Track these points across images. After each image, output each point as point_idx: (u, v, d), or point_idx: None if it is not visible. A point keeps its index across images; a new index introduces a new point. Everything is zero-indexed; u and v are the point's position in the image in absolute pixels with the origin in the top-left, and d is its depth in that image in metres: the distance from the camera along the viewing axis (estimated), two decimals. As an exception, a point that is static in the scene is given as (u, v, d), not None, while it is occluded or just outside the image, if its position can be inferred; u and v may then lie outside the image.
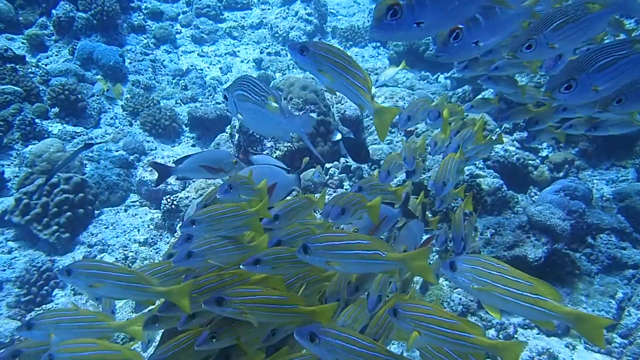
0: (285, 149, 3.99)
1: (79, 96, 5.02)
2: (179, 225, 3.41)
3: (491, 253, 3.40)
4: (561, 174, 4.41)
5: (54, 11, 6.50)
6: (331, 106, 4.54)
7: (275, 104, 1.71)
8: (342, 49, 1.87)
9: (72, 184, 3.77)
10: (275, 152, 4.03)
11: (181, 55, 7.25)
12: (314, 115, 4.02)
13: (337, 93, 1.63)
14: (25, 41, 6.26)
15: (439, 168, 2.29)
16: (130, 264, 3.40)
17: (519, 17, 1.89)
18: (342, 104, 4.62)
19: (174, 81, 6.33)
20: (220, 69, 6.95)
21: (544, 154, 4.69)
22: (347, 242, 1.42)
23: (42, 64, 6.13)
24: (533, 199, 4.06)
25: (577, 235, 3.56)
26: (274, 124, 1.76)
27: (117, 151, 4.65)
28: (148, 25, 7.49)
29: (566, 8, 1.95)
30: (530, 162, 4.52)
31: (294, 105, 4.10)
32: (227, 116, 5.14)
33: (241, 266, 1.54)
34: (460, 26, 1.58)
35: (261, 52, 7.25)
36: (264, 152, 4.06)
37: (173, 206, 3.69)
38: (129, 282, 1.44)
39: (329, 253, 1.41)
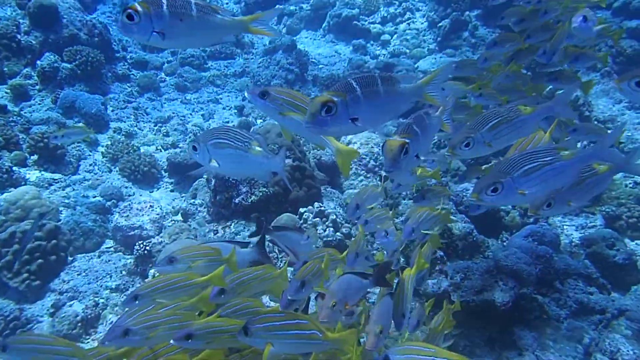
0: (261, 194, 4.06)
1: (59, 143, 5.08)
2: (150, 270, 3.41)
3: (461, 297, 3.43)
4: (531, 220, 4.51)
5: (38, 62, 6.64)
6: (307, 152, 4.65)
7: (259, 148, 1.80)
8: (301, 92, 1.96)
9: (45, 231, 3.78)
10: (251, 197, 4.10)
11: (164, 103, 7.40)
12: (289, 160, 4.12)
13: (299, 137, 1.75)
14: (8, 90, 6.36)
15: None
16: (101, 311, 3.37)
17: (411, 95, 1.96)
18: (318, 150, 4.74)
19: (155, 128, 6.44)
20: (202, 115, 7.09)
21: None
22: (287, 323, 1.48)
23: (25, 112, 6.22)
24: (504, 243, 4.14)
25: (545, 280, 3.62)
26: (257, 166, 1.88)
27: (94, 197, 4.68)
28: (132, 74, 7.68)
29: (500, 109, 2.11)
30: (501, 207, 4.63)
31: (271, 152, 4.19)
32: (205, 163, 5.22)
33: (172, 341, 1.50)
34: (335, 99, 1.62)
35: (243, 100, 7.43)
36: (248, 201, 4.10)
37: (145, 251, 3.70)
38: (65, 356, 1.46)
39: (269, 334, 1.45)
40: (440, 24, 8.94)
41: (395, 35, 9.39)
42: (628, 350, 3.20)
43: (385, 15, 9.67)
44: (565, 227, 4.65)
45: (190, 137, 6.20)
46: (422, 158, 1.74)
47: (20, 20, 6.93)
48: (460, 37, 8.76)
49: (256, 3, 10.60)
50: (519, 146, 2.28)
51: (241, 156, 1.80)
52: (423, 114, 1.89)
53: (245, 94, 1.83)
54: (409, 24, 9.45)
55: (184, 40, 1.73)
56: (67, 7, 7.24)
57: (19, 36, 6.84)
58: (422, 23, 9.45)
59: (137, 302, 1.55)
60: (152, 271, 3.51)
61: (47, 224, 3.81)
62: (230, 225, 4.13)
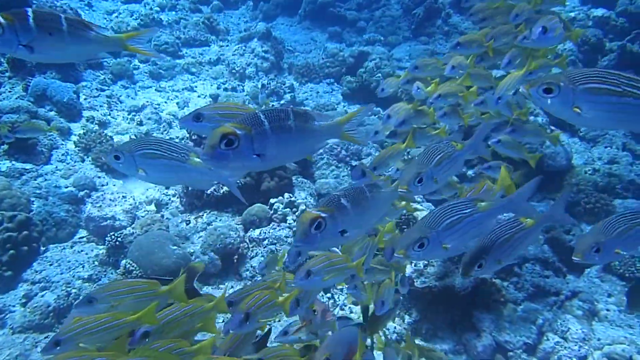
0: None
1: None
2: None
3: (424, 283, 3.59)
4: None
5: (8, 48, 6.55)
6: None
7: (198, 159, 1.83)
8: (239, 104, 2.01)
9: (16, 222, 3.81)
10: (222, 188, 4.17)
11: (138, 91, 7.37)
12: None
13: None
14: (-23, 79, 6.27)
15: None
16: (73, 301, 3.44)
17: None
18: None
19: (129, 116, 6.43)
20: (178, 103, 7.09)
21: (481, 186, 4.97)
22: None
23: (-6, 99, 6.16)
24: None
25: (504, 264, 3.80)
26: (197, 177, 1.87)
27: (66, 187, 4.70)
28: (105, 61, 7.60)
29: (440, 145, 2.21)
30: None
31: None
32: (179, 152, 5.26)
33: None
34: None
35: (218, 88, 7.44)
36: (219, 192, 4.17)
37: (117, 242, 3.76)
38: None
39: None
40: (414, 11, 9.02)
41: (371, 22, 9.44)
42: (577, 329, 3.41)
43: (361, 1, 9.70)
44: (528, 213, 4.83)
45: (163, 126, 6.21)
46: (348, 235, 1.61)
47: (-11, 6, 6.79)
48: (434, 24, 8.86)
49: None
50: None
51: (177, 166, 1.81)
52: (367, 186, 1.79)
53: (179, 124, 1.84)
54: (384, 10, 9.51)
55: (55, 54, 1.72)
56: (36, -7, 7.11)
57: (-13, 22, 6.73)
58: (397, 10, 9.51)
59: (58, 348, 1.45)
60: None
61: (17, 215, 3.83)
62: (203, 215, 4.21)
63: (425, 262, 3.66)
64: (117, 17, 9.26)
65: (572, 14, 7.57)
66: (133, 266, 3.17)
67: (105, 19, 9.35)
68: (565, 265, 3.99)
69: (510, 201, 1.96)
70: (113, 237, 3.80)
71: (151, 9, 9.78)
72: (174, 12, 9.88)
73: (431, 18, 8.87)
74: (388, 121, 3.28)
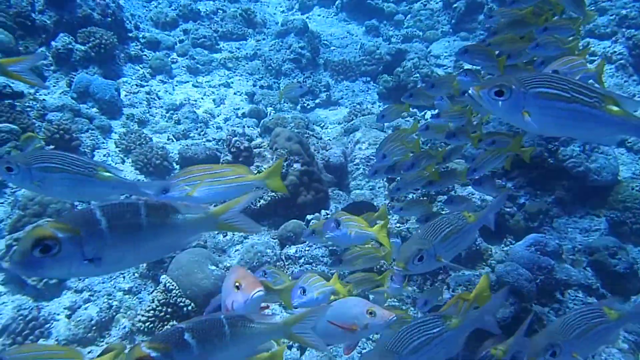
0: (270, 198, 4.14)
1: (73, 135, 5.17)
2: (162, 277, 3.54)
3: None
4: (536, 224, 4.56)
5: (53, 43, 6.67)
6: (316, 152, 4.69)
7: (107, 173, 1.76)
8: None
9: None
10: (259, 202, 4.18)
11: (176, 86, 7.43)
12: (297, 165, 4.18)
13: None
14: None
15: None
16: (114, 314, 3.53)
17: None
18: (327, 150, 4.79)
19: (167, 115, 6.49)
20: (214, 100, 7.12)
21: (521, 201, 4.85)
22: None
23: (40, 95, 6.31)
24: (506, 250, 4.21)
25: (545, 290, 3.71)
26: (105, 191, 1.76)
27: (107, 191, 4.80)
28: (145, 55, 7.68)
29: (449, 217, 2.00)
30: (507, 209, 4.68)
31: (279, 156, 4.25)
32: (216, 157, 5.29)
33: None
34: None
35: (254, 85, 7.42)
36: (257, 205, 4.17)
37: (158, 255, 3.82)
38: None
39: None
40: (455, 5, 8.75)
41: (409, 16, 9.22)
42: (621, 367, 3.31)
43: (401, -7, 9.47)
44: (569, 229, 4.69)
45: (200, 126, 6.25)
46: None
47: (34, -1, 6.91)
48: (475, 19, 8.59)
49: None
50: None
51: (83, 181, 1.73)
52: (228, 318, 1.38)
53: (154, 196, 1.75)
54: (424, 3, 9.27)
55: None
56: (79, -14, 7.20)
57: (33, 15, 6.86)
58: (437, 3, 9.25)
59: None
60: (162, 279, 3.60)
61: (63, 223, 3.93)
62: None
63: (464, 288, 3.61)
64: (156, 6, 9.31)
65: (624, 12, 7.20)
66: (173, 285, 3.22)
67: (145, 7, 9.42)
68: (610, 291, 3.87)
69: (478, 317, 1.81)
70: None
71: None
72: (212, 2, 9.87)
73: (472, 13, 8.60)
74: (383, 161, 3.11)
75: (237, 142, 4.24)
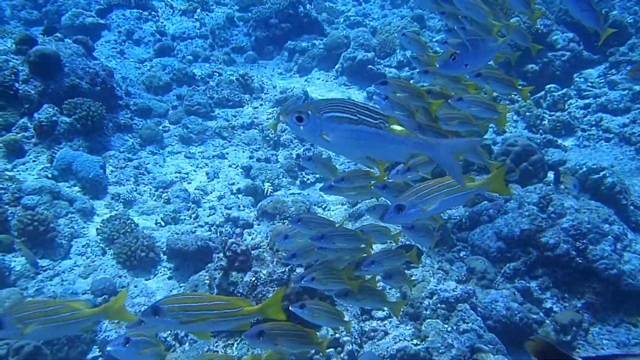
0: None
1: (49, 225, 4.67)
2: None
3: None
4: (569, 337, 4.04)
5: (36, 115, 6.25)
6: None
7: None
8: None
9: (23, 355, 3.35)
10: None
11: (167, 157, 6.99)
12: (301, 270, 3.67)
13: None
14: (1, 146, 5.99)
15: None
16: None
17: None
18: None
19: (156, 193, 6.02)
20: (207, 173, 6.67)
21: (547, 305, 4.35)
22: None
23: (18, 170, 5.85)
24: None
25: None
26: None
27: (83, 294, 4.25)
28: (135, 123, 7.28)
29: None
30: (533, 316, 4.17)
31: (279, 259, 3.77)
32: (208, 248, 4.79)
33: None
34: None
35: (250, 157, 6.99)
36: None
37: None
38: None
39: None
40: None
41: (412, 81, 8.96)
42: None
43: (402, 59, 9.24)
44: (604, 341, 4.18)
45: (191, 207, 5.77)
46: None
47: (20, 68, 6.55)
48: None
49: (267, 37, 10.23)
50: None
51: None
52: None
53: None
54: (426, 69, 9.02)
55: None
56: (69, 54, 6.87)
57: (17, 84, 6.48)
58: (440, 69, 9.01)
59: None
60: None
61: (25, 346, 3.38)
62: (233, 344, 3.69)
63: None
64: (149, 69, 9.01)
65: (638, 87, 6.92)
66: None
67: (137, 69, 9.11)
68: None
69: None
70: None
71: (184, 57, 9.53)
72: (207, 65, 9.59)
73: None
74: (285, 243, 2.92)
75: (234, 245, 3.75)
